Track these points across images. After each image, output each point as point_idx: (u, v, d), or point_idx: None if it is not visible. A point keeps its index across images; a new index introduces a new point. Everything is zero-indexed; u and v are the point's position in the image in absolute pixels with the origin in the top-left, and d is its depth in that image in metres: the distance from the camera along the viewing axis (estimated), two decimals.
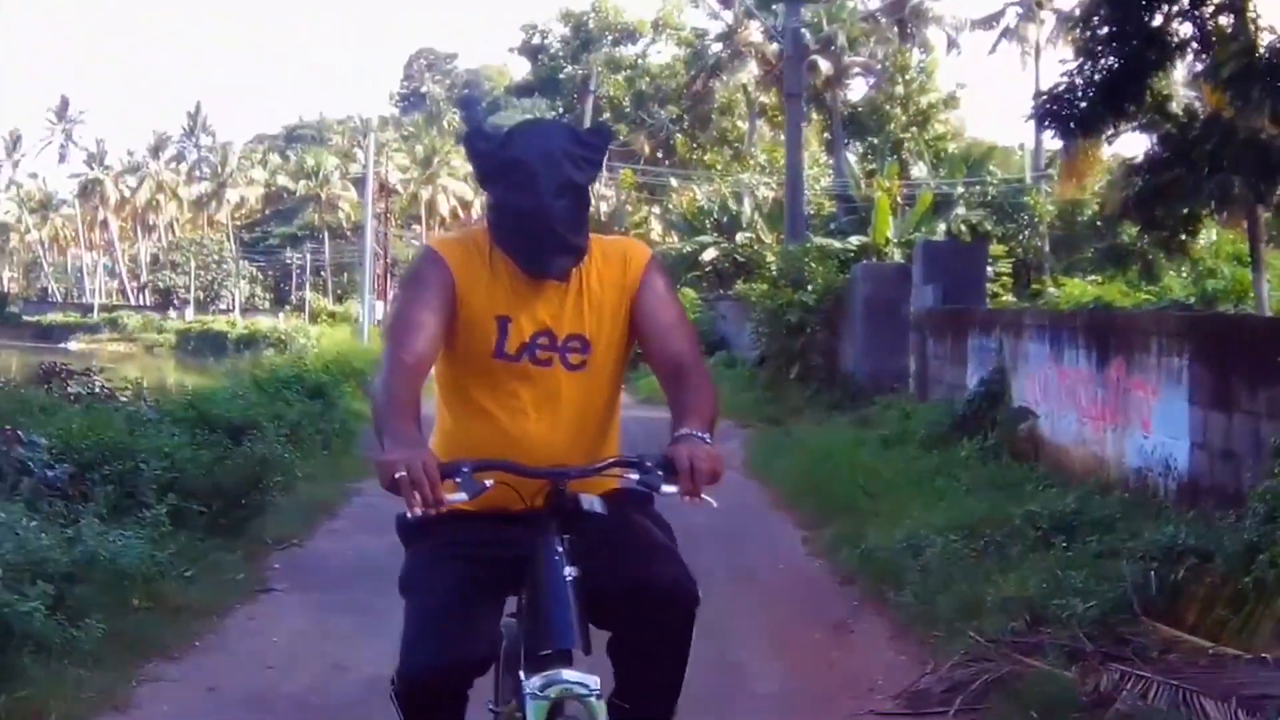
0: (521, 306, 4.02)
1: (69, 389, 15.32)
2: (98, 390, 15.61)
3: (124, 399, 15.42)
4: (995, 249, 29.96)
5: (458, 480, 3.63)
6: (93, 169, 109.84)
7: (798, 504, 13.26)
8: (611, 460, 3.90)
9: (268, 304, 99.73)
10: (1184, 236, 17.95)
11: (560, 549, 3.75)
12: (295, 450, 13.90)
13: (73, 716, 6.47)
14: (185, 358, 73.05)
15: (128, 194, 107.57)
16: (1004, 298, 30.32)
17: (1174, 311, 17.36)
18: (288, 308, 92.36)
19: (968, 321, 16.82)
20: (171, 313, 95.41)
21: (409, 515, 3.58)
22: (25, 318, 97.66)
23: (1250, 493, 8.79)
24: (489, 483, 3.70)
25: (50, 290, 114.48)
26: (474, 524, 3.94)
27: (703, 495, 3.67)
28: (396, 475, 3.52)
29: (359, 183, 77.86)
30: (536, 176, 3.86)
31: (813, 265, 24.23)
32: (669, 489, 3.68)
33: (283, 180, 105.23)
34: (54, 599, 7.13)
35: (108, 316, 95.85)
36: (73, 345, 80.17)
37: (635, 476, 3.79)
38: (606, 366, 4.12)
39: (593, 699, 3.66)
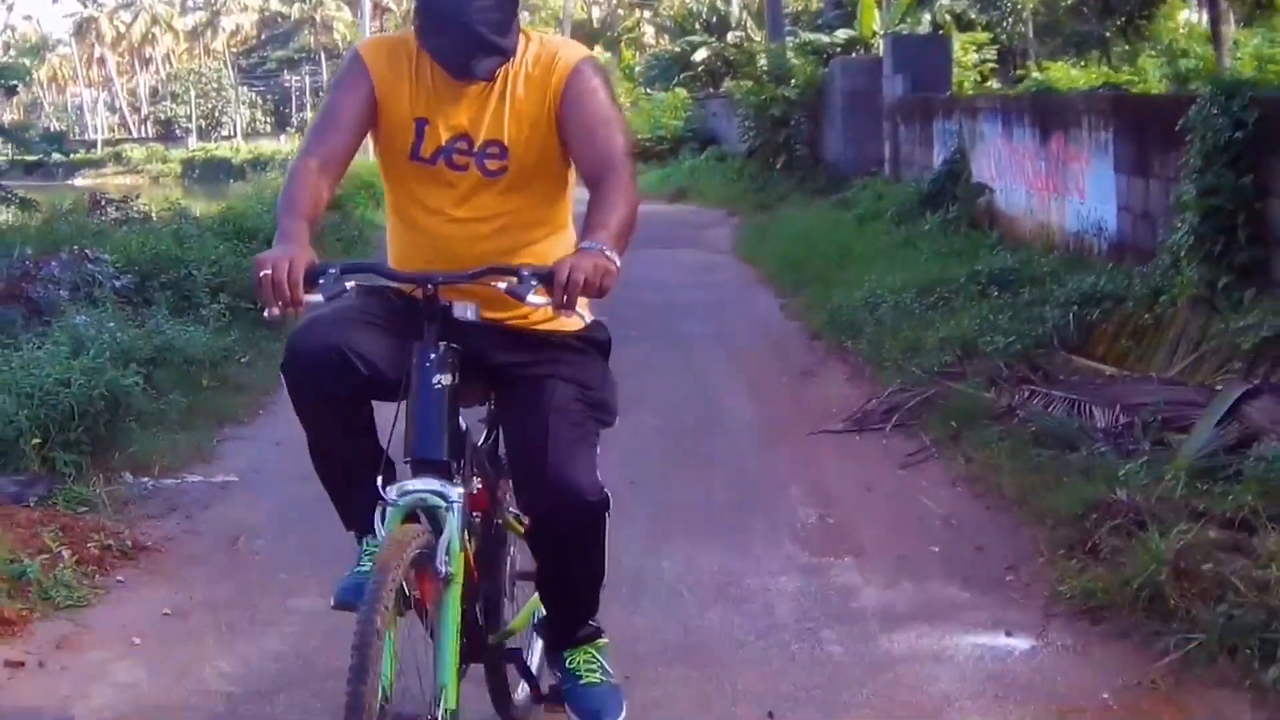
0: (441, 110, 3.89)
1: (112, 215, 16.71)
2: (135, 214, 17.00)
3: (157, 220, 16.81)
4: (979, 36, 30.73)
5: (321, 281, 3.54)
6: (86, 6, 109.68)
7: (778, 278, 14.60)
8: (484, 267, 3.66)
9: (269, 128, 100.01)
10: (1140, 20, 18.98)
11: (433, 356, 3.65)
12: (321, 255, 15.25)
13: (172, 467, 7.93)
14: (191, 186, 73.74)
15: (123, 29, 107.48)
16: (990, 84, 31.19)
17: (1102, 92, 18.38)
18: (290, 130, 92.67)
19: (933, 108, 18.00)
20: (193, 143, 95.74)
21: (266, 315, 3.55)
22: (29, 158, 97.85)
23: (1160, 246, 10.11)
24: (349, 285, 3.60)
25: (52, 129, 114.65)
26: (413, 311, 3.83)
27: (577, 310, 3.53)
28: (260, 275, 3.46)
29: (353, 2, 78.12)
30: None
31: (795, 61, 25.31)
32: (536, 300, 3.51)
33: (276, 4, 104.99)
34: (144, 379, 8.57)
35: (111, 151, 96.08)
36: (79, 181, 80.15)
37: (503, 285, 3.59)
38: (530, 174, 3.93)
39: (446, 510, 3.58)
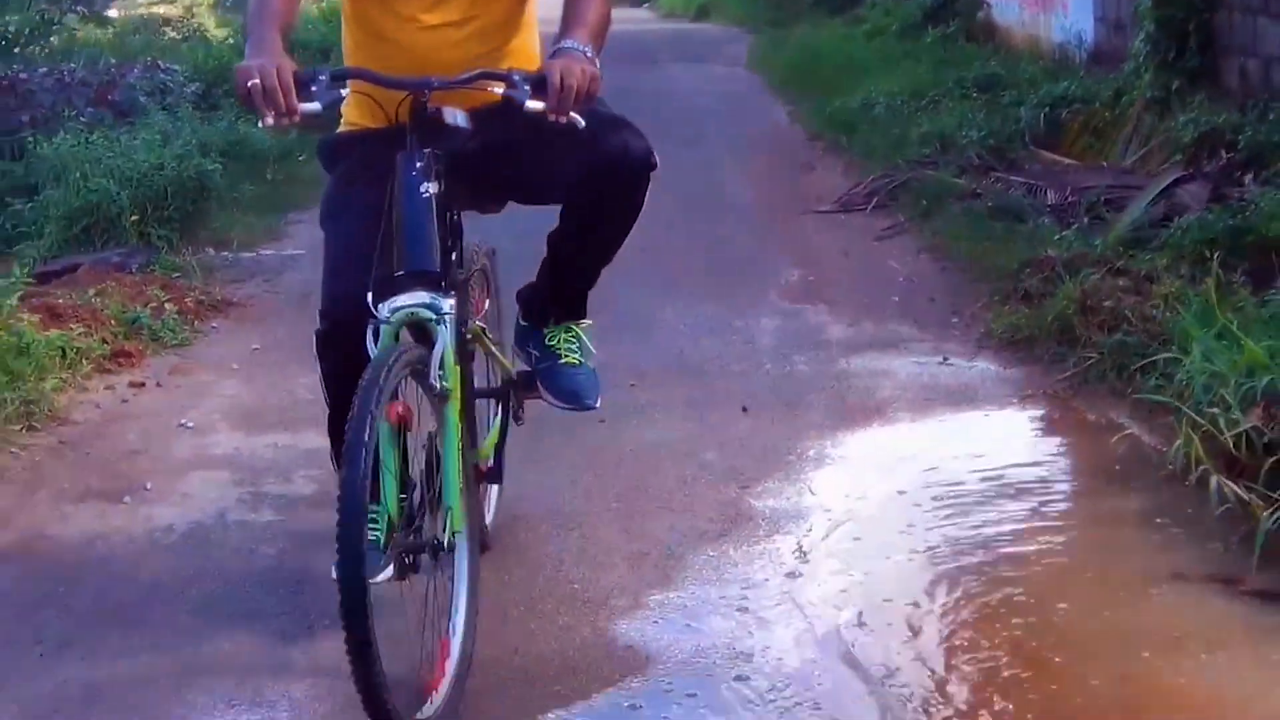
0: None
1: (171, 34, 17.99)
2: (193, 33, 18.24)
3: (211, 39, 18.02)
4: None
5: (313, 89, 3.41)
6: None
7: (787, 87, 15.56)
8: (478, 72, 3.61)
9: None
10: None
11: (419, 164, 3.53)
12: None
13: (247, 244, 9.24)
14: (226, 14, 74.17)
15: None
16: None
17: None
18: None
19: None
20: None
21: (260, 125, 3.41)
22: None
23: (1129, 51, 11.13)
24: (344, 91, 3.58)
25: None
26: (384, 145, 3.66)
27: (572, 114, 3.46)
28: (249, 84, 3.32)
29: None
30: None
31: None
32: (534, 105, 3.44)
33: None
34: (222, 167, 9.80)
35: None
36: (112, 12, 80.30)
37: (499, 90, 3.54)
38: None
39: (440, 324, 3.47)
